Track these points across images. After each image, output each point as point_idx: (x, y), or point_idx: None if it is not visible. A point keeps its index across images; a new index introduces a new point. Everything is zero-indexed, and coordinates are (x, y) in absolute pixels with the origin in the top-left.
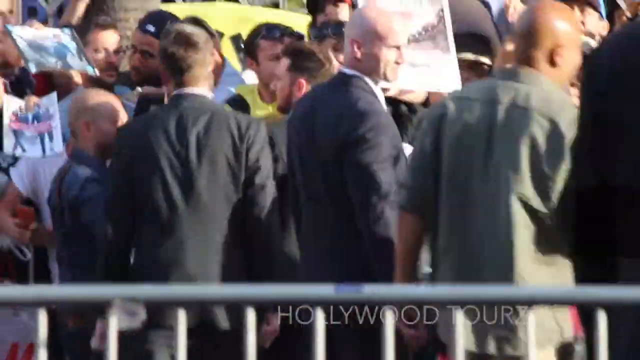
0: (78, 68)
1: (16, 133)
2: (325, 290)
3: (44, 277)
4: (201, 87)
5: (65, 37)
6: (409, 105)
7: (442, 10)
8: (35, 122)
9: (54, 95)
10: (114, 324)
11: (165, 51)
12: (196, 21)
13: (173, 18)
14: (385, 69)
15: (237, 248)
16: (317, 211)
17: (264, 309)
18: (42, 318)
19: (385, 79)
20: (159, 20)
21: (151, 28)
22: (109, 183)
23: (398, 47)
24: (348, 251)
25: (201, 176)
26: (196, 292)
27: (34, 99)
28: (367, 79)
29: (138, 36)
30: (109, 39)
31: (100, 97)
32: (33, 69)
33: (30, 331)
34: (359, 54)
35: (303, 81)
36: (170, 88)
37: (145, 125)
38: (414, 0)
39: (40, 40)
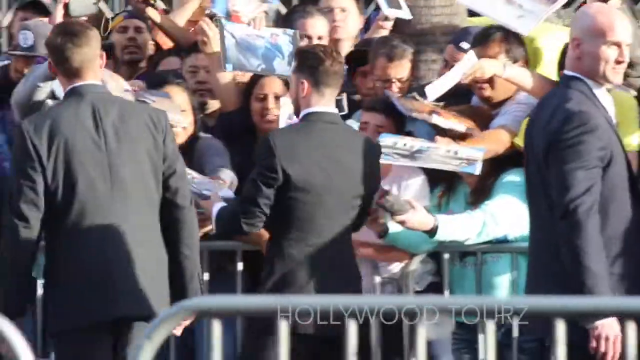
0: (280, 73)
1: None
2: None
3: None
4: None
5: (284, 37)
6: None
7: None
8: None
9: None
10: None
11: None
12: None
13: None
14: (604, 68)
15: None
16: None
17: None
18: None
19: (605, 79)
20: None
21: (465, 45)
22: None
23: (619, 45)
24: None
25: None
26: None
27: None
28: (588, 80)
29: (450, 51)
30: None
31: None
32: (229, 69)
33: None
34: (578, 53)
35: (305, 81)
36: None
37: None
38: None
39: (251, 40)
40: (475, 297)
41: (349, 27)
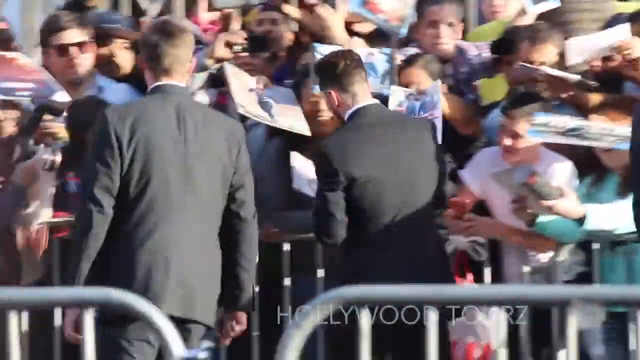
0: (372, 91)
1: None
2: None
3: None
4: None
5: (380, 56)
6: None
7: None
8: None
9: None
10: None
11: None
12: None
13: None
14: None
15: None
16: None
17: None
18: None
19: None
20: None
21: None
22: None
23: None
24: None
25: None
26: None
27: None
28: None
29: None
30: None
31: None
32: (315, 91)
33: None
34: None
35: (332, 92)
36: None
37: None
38: None
39: None
40: (625, 287)
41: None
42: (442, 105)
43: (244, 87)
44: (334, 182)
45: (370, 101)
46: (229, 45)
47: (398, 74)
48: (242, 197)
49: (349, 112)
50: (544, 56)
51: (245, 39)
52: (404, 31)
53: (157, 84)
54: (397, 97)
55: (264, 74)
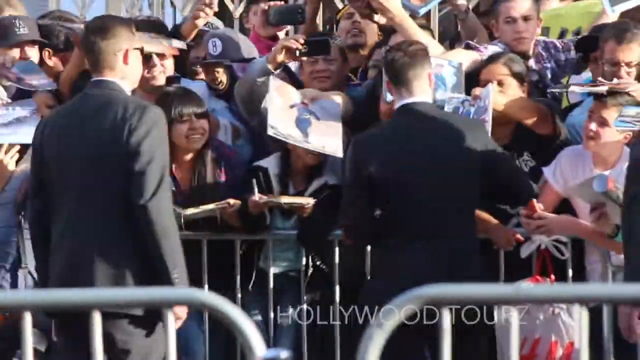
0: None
1: None
2: None
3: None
4: None
5: (449, 69)
6: None
7: None
8: None
9: None
10: None
11: None
12: None
13: None
14: None
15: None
16: None
17: None
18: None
19: None
20: None
21: None
22: None
23: None
24: None
25: None
26: None
27: None
28: None
29: None
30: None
31: None
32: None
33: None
34: None
35: (387, 82)
36: None
37: None
38: None
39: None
40: None
41: None
42: (499, 106)
43: (284, 104)
44: (359, 178)
45: (421, 98)
46: (288, 50)
47: (479, 72)
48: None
49: (397, 106)
50: (629, 56)
51: (303, 43)
52: (423, 11)
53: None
54: (453, 103)
55: (339, 79)
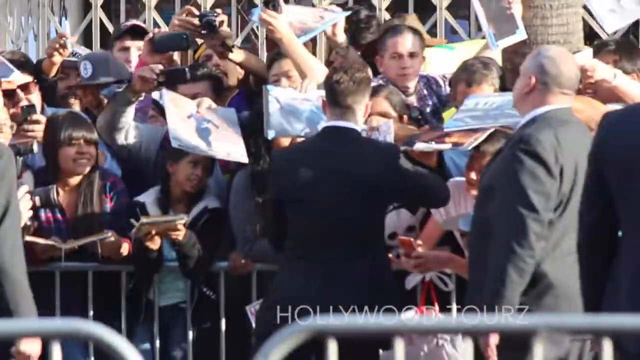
0: None
1: None
2: None
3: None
4: None
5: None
6: None
7: None
8: None
9: None
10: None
11: None
12: None
13: None
14: None
15: None
16: None
17: None
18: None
19: None
20: None
21: None
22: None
23: None
24: None
25: None
26: None
27: None
28: None
29: None
30: None
31: None
32: (271, 135)
33: None
34: None
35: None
36: None
37: None
38: None
39: (297, 104)
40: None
41: None
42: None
43: (181, 115)
44: (273, 192)
45: (350, 125)
46: (145, 80)
47: None
48: None
49: (323, 125)
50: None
51: (159, 74)
52: (302, 40)
53: None
54: None
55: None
